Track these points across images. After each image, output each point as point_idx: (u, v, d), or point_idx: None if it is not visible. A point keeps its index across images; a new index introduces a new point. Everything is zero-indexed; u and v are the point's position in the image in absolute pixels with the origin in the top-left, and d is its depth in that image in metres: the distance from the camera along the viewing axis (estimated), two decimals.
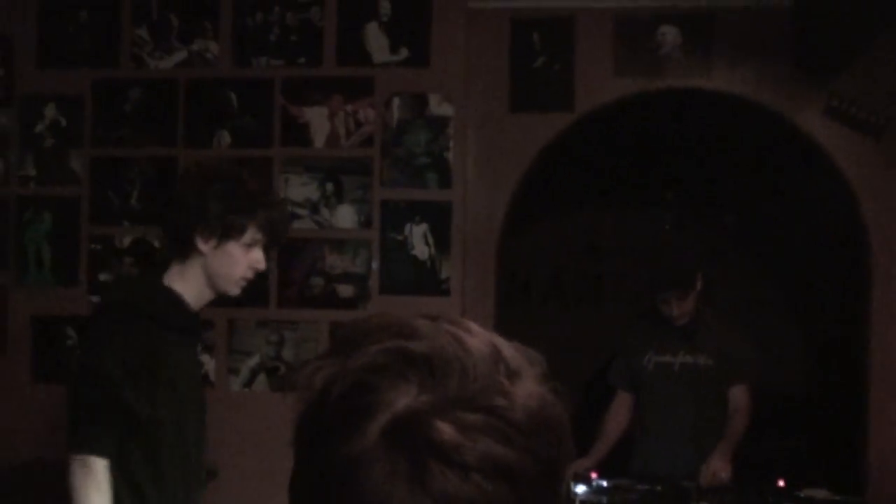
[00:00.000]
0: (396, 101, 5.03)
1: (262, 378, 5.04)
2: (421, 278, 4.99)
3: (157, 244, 5.09)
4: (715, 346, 4.89)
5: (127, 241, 5.14)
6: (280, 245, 3.44)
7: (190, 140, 5.12)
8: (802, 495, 4.42)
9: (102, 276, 5.14)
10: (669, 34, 4.98)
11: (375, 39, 5.06)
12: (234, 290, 3.20)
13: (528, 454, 0.90)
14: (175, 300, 3.12)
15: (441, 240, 4.99)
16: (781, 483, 4.47)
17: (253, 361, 5.05)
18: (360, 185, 5.03)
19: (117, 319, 3.06)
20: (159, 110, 5.15)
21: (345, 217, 5.03)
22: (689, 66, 4.98)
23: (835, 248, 5.92)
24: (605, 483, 4.50)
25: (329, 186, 5.04)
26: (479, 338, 0.96)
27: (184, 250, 3.11)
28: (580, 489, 4.38)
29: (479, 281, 5.11)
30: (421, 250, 4.99)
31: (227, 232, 3.08)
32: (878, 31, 4.32)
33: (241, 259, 3.12)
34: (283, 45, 5.10)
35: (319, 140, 5.06)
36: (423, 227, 4.99)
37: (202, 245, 3.07)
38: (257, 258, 3.15)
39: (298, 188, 5.05)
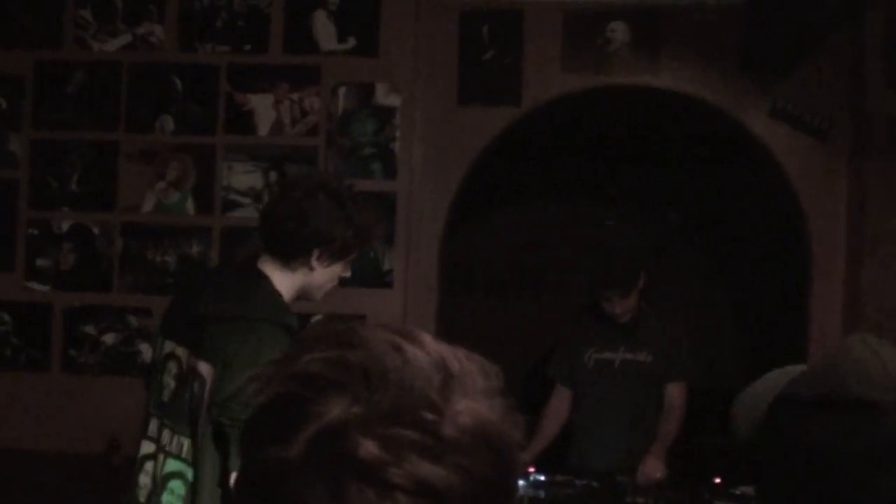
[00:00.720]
0: (343, 91, 4.99)
1: None
2: (364, 270, 4.94)
3: (95, 231, 5.02)
4: (655, 344, 4.91)
5: (66, 226, 5.06)
6: None
7: (132, 124, 5.05)
8: (738, 492, 4.43)
9: (39, 262, 5.06)
10: (618, 31, 4.97)
11: (323, 27, 5.01)
12: (319, 299, 3.23)
13: (460, 472, 0.88)
14: (289, 311, 3.04)
15: (385, 231, 4.95)
16: (717, 480, 4.48)
17: None
18: (304, 174, 4.97)
19: (268, 333, 2.91)
20: (102, 94, 5.08)
21: None
22: (637, 63, 4.99)
23: (777, 246, 5.95)
24: (542, 477, 4.48)
25: (273, 175, 4.98)
26: (425, 350, 0.94)
27: (291, 260, 3.06)
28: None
29: (423, 273, 5.09)
30: None
31: (342, 255, 3.09)
32: (825, 35, 4.34)
33: (339, 274, 3.16)
34: (229, 30, 5.05)
35: (264, 128, 5.01)
36: None
37: (316, 263, 3.06)
38: (348, 272, 3.20)
39: (242, 176, 4.99)
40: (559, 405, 5.05)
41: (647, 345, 4.90)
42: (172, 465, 2.96)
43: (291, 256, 3.05)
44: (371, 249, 3.29)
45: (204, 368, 2.92)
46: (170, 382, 3.02)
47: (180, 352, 3.01)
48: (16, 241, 5.06)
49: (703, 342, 5.37)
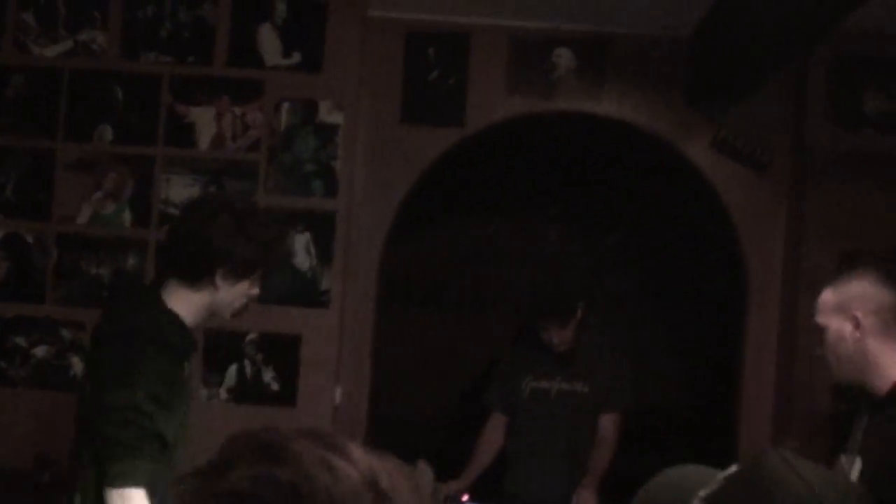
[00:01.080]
0: (286, 106, 4.95)
1: None
2: (301, 288, 4.91)
3: (30, 240, 4.95)
4: (592, 374, 4.91)
5: (0, 234, 4.98)
6: None
7: (71, 133, 4.97)
8: None
9: None
10: (564, 57, 4.98)
11: (269, 41, 4.97)
12: (231, 318, 3.28)
13: None
14: (181, 325, 3.10)
15: (323, 250, 4.92)
16: None
17: None
18: (245, 189, 4.92)
19: (140, 350, 2.97)
20: (41, 100, 4.99)
21: None
22: (581, 89, 5.00)
23: (715, 275, 5.99)
24: None
25: (212, 189, 4.93)
26: (354, 465, 0.92)
27: (195, 281, 3.09)
28: None
29: (360, 293, 5.07)
30: (302, 260, 4.92)
31: (246, 274, 3.11)
32: (769, 71, 4.35)
33: (247, 293, 3.17)
34: (173, 41, 4.98)
35: (205, 141, 4.95)
36: (306, 236, 4.92)
37: (220, 282, 3.08)
38: (256, 289, 3.20)
39: (181, 189, 4.93)
40: (494, 432, 5.04)
41: (584, 375, 4.90)
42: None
43: (196, 277, 3.08)
44: (276, 268, 3.36)
45: (87, 387, 3.05)
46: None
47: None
48: None
49: (638, 366, 5.39)
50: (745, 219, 5.00)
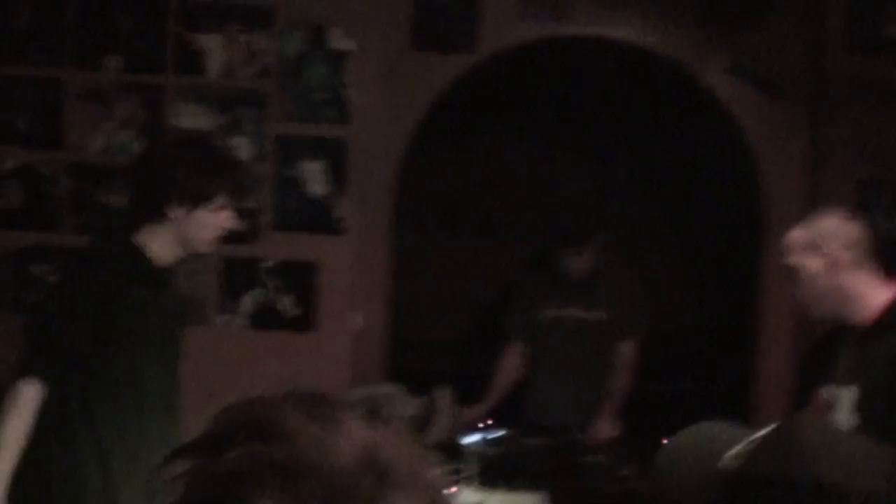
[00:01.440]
0: (296, 33, 4.88)
1: None
2: (316, 216, 4.90)
3: (45, 172, 4.94)
4: (610, 302, 4.92)
5: (11, 164, 4.96)
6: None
7: (79, 62, 4.93)
8: None
9: None
10: None
11: None
12: (206, 250, 3.42)
13: None
14: (139, 256, 3.27)
15: (337, 177, 4.89)
16: (665, 441, 4.51)
17: None
18: (255, 117, 4.89)
19: (78, 270, 3.38)
20: (48, 29, 4.94)
21: (238, 150, 4.87)
22: (595, 12, 4.92)
23: (731, 202, 5.94)
24: (496, 433, 4.50)
25: (223, 118, 4.89)
26: (351, 441, 0.89)
27: (155, 215, 3.25)
28: (470, 438, 4.37)
29: (375, 219, 5.05)
30: (316, 187, 4.90)
31: (196, 201, 3.22)
32: None
33: (211, 223, 3.28)
34: None
35: (214, 69, 4.90)
36: (319, 163, 4.89)
37: (173, 212, 3.21)
38: (226, 219, 3.32)
39: (191, 118, 4.90)
40: (513, 360, 5.06)
41: (602, 302, 4.92)
42: None
43: (153, 210, 3.25)
44: (235, 197, 3.34)
45: None
46: None
47: None
48: None
49: (652, 291, 5.39)
50: (762, 145, 4.94)
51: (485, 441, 4.41)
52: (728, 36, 4.82)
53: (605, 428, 4.71)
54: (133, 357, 3.29)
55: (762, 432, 1.64)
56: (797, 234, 3.16)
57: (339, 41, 4.87)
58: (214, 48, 4.89)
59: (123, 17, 4.91)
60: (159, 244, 3.29)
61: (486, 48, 4.94)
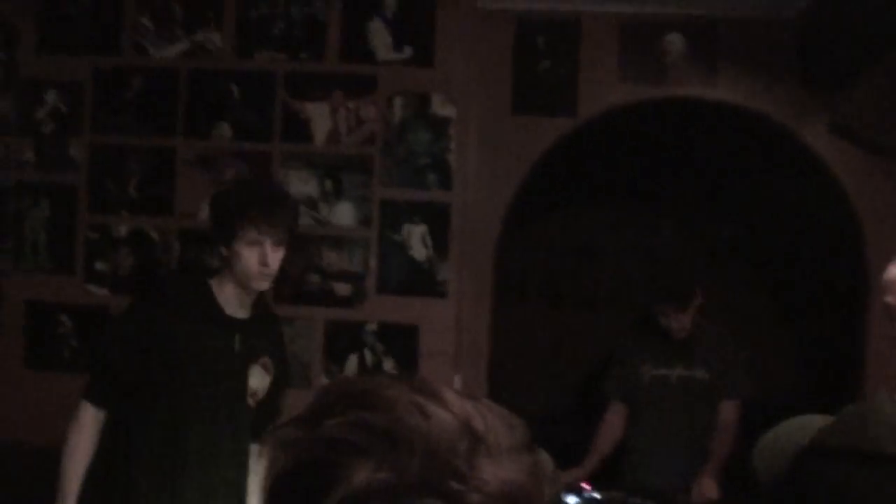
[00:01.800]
0: (399, 100, 5.00)
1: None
2: (418, 279, 4.97)
3: (154, 235, 5.08)
4: (711, 360, 4.87)
5: (124, 230, 5.12)
6: (293, 236, 3.59)
7: (190, 131, 5.09)
8: None
9: (98, 265, 5.12)
10: (675, 42, 4.95)
11: (379, 36, 5.02)
12: (260, 286, 3.48)
13: None
14: (205, 294, 3.47)
15: (439, 241, 4.96)
16: None
17: None
18: (360, 183, 5.00)
19: (140, 303, 3.60)
20: (160, 100, 5.12)
21: (344, 215, 5.00)
22: (693, 74, 4.96)
23: (834, 263, 5.89)
24: (596, 495, 4.47)
25: (328, 183, 5.01)
26: (448, 409, 0.92)
27: (220, 259, 3.53)
28: (571, 500, 4.36)
29: (476, 283, 5.10)
30: (419, 251, 4.97)
31: (227, 236, 3.39)
32: (886, 48, 4.28)
33: (250, 257, 3.37)
34: (286, 38, 5.07)
35: (320, 136, 5.03)
36: (422, 227, 4.97)
37: (224, 252, 3.42)
38: (262, 255, 3.39)
39: (298, 184, 5.01)
40: (614, 421, 5.02)
41: (704, 361, 4.86)
42: None
43: (216, 254, 3.61)
44: (273, 232, 3.42)
45: None
46: None
47: None
48: (76, 244, 5.12)
49: (756, 357, 5.32)
50: (867, 206, 4.90)
51: (584, 501, 4.39)
52: (828, 94, 4.82)
53: (707, 489, 4.62)
54: (180, 397, 3.40)
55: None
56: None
57: (441, 107, 4.97)
58: (320, 116, 5.02)
59: (232, 86, 5.07)
60: (226, 286, 3.47)
61: (585, 112, 5.00)
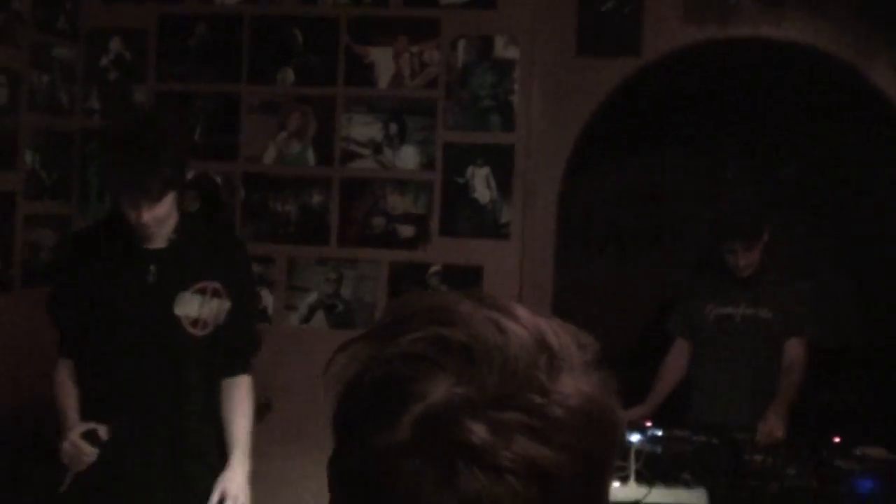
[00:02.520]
0: (462, 43, 5.00)
1: (319, 315, 5.07)
2: (481, 221, 4.98)
3: (218, 180, 5.12)
4: (776, 300, 4.84)
5: (189, 175, 5.14)
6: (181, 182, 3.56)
7: (253, 76, 5.13)
8: (858, 453, 4.37)
9: None
10: None
11: None
12: (150, 239, 3.45)
13: (569, 452, 0.88)
14: (119, 228, 3.42)
15: (503, 183, 4.97)
16: (837, 439, 4.43)
17: (311, 298, 5.07)
18: (424, 126, 5.01)
19: (66, 249, 3.95)
20: (224, 46, 5.15)
21: (407, 158, 5.02)
22: (759, 14, 4.91)
23: None
24: (659, 432, 4.47)
25: (392, 127, 5.03)
26: (523, 325, 0.93)
27: None
28: (634, 438, 4.36)
29: (539, 226, 5.10)
30: (482, 193, 4.99)
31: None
32: None
33: (129, 215, 3.35)
34: None
35: (384, 80, 5.05)
36: (486, 170, 4.98)
37: None
38: (136, 216, 3.33)
39: (361, 128, 5.05)
40: (678, 359, 5.02)
41: (769, 301, 4.84)
42: None
43: None
44: (117, 194, 3.43)
45: None
46: None
47: None
48: None
49: (821, 300, 5.29)
50: None
51: (647, 439, 4.39)
52: (893, 32, 4.78)
53: (774, 427, 4.58)
54: (102, 336, 3.43)
55: None
56: None
57: (505, 49, 4.97)
58: (384, 60, 5.04)
59: (296, 31, 5.09)
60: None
61: (650, 52, 4.97)
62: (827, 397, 5.80)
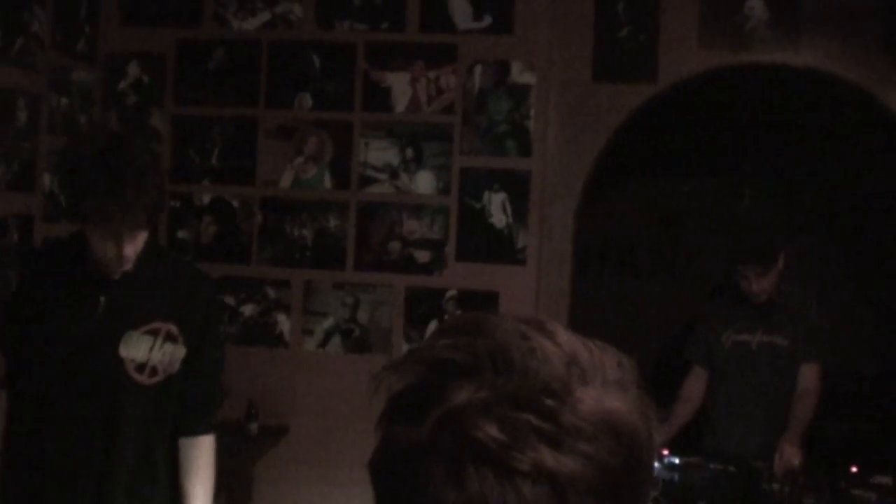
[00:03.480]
0: (478, 69, 5.03)
1: (336, 339, 5.07)
2: (498, 246, 4.99)
3: (235, 204, 5.14)
4: (793, 327, 4.83)
5: (206, 199, 5.19)
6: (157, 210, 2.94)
7: (271, 101, 5.15)
8: (875, 482, 4.35)
9: (181, 234, 5.19)
10: (756, 8, 4.92)
11: (459, 5, 5.05)
12: (116, 272, 2.92)
13: (581, 459, 0.88)
14: (78, 248, 2.91)
15: (519, 209, 4.98)
16: (854, 469, 4.41)
17: (328, 323, 5.08)
18: (440, 151, 5.03)
19: (22, 267, 3.24)
20: (242, 71, 5.18)
21: (424, 183, 5.04)
22: (775, 40, 4.92)
23: None
24: (676, 460, 4.45)
25: (409, 151, 5.05)
26: (554, 341, 0.94)
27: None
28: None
29: (556, 251, 5.10)
30: (498, 218, 5.00)
31: (73, 218, 3.00)
32: None
33: (98, 246, 2.87)
34: (366, 9, 5.11)
35: (401, 105, 5.07)
36: (502, 195, 4.99)
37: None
38: (113, 248, 2.85)
39: (378, 153, 5.07)
40: (695, 386, 4.99)
41: (785, 327, 4.82)
42: None
43: None
44: (92, 222, 2.83)
45: None
46: None
47: None
48: None
49: (837, 326, 5.28)
50: None
51: (664, 466, 4.38)
52: None
53: (790, 455, 4.55)
54: (43, 370, 2.91)
55: None
56: None
57: (521, 75, 4.99)
58: (401, 85, 5.06)
59: (313, 57, 5.12)
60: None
61: (665, 78, 4.98)
62: (845, 425, 5.78)
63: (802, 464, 4.56)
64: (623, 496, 0.92)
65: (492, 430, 0.87)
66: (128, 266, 2.87)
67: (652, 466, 0.97)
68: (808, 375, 4.81)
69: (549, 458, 0.87)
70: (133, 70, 5.27)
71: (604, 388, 0.93)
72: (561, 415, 0.89)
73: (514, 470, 0.86)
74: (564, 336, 0.96)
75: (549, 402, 0.89)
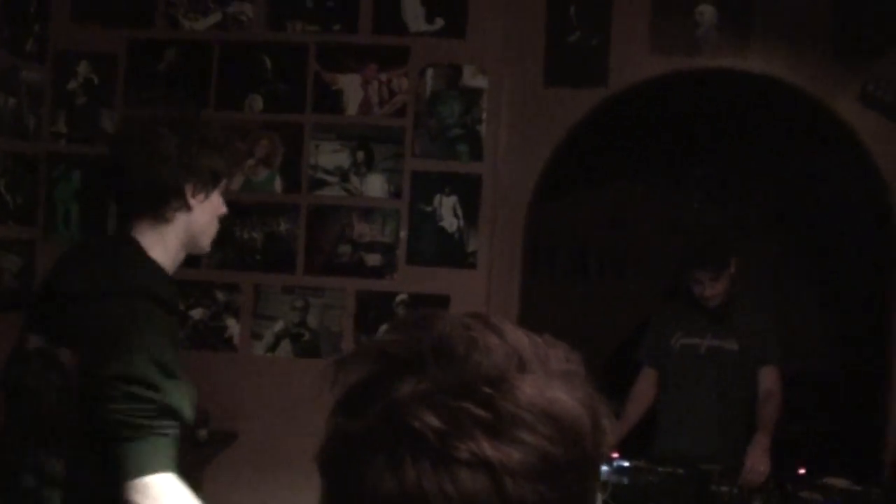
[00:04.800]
0: (430, 72, 5.02)
1: (285, 344, 5.05)
2: (448, 250, 4.99)
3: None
4: (743, 332, 4.86)
5: None
6: None
7: (222, 102, 5.12)
8: (826, 483, 4.38)
9: None
10: (707, 13, 4.94)
11: (412, 8, 5.04)
12: (209, 247, 2.87)
13: (519, 448, 0.89)
14: (166, 276, 2.64)
15: (470, 212, 4.98)
16: (802, 471, 4.45)
17: (277, 327, 5.06)
18: (392, 154, 5.02)
19: (136, 310, 2.47)
20: (193, 72, 5.14)
21: (374, 186, 5.03)
22: (725, 46, 4.95)
23: (863, 234, 5.89)
24: (625, 463, 4.48)
25: (360, 154, 5.03)
26: (499, 334, 0.95)
27: (164, 209, 2.61)
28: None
29: (506, 254, 5.11)
30: (449, 222, 4.99)
31: (216, 182, 2.72)
32: None
33: (219, 210, 2.77)
34: (318, 10, 5.09)
35: (352, 108, 5.05)
36: (453, 198, 4.99)
37: (192, 200, 2.64)
38: (224, 206, 2.81)
39: (329, 155, 5.05)
40: (646, 387, 5.03)
41: (735, 332, 4.85)
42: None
43: (164, 203, 2.60)
44: (237, 171, 2.85)
45: (65, 356, 2.46)
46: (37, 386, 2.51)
47: (36, 341, 2.54)
48: (107, 215, 5.14)
49: (787, 329, 5.32)
50: (893, 175, 4.89)
51: (614, 469, 4.40)
52: (859, 65, 4.81)
53: (758, 465, 4.48)
54: (187, 405, 2.62)
55: None
56: None
57: (473, 79, 4.98)
58: (352, 87, 5.04)
59: (265, 58, 5.09)
60: (166, 252, 2.65)
61: (616, 83, 4.99)
62: (795, 427, 5.81)
63: (770, 469, 4.56)
64: (566, 486, 0.91)
65: (430, 420, 0.88)
66: None
67: (598, 458, 0.96)
68: (769, 378, 4.83)
69: (486, 446, 0.87)
70: (83, 70, 5.22)
71: (546, 378, 0.93)
72: (499, 403, 0.89)
73: (452, 458, 0.87)
74: (510, 330, 0.96)
75: (487, 390, 0.89)
